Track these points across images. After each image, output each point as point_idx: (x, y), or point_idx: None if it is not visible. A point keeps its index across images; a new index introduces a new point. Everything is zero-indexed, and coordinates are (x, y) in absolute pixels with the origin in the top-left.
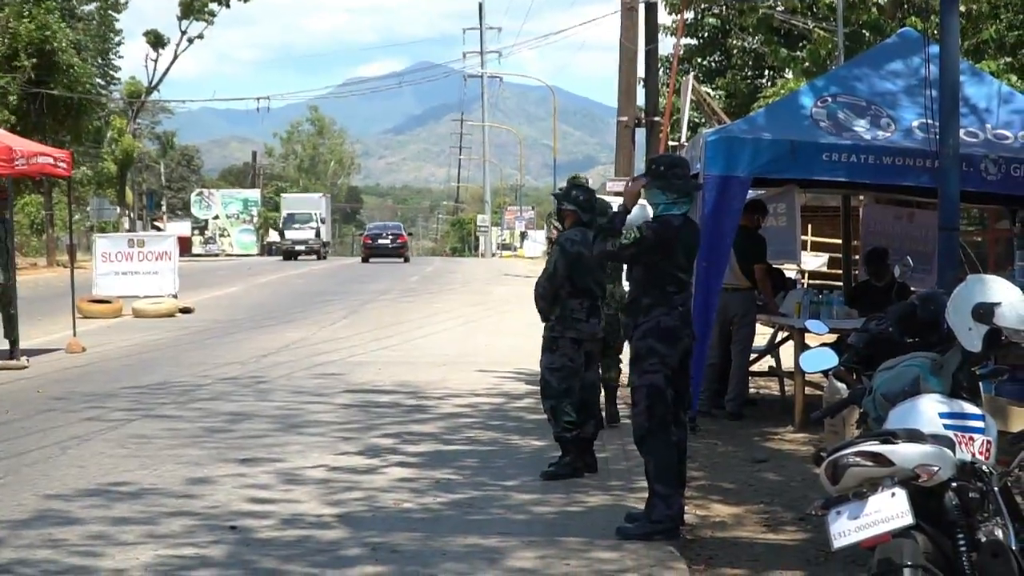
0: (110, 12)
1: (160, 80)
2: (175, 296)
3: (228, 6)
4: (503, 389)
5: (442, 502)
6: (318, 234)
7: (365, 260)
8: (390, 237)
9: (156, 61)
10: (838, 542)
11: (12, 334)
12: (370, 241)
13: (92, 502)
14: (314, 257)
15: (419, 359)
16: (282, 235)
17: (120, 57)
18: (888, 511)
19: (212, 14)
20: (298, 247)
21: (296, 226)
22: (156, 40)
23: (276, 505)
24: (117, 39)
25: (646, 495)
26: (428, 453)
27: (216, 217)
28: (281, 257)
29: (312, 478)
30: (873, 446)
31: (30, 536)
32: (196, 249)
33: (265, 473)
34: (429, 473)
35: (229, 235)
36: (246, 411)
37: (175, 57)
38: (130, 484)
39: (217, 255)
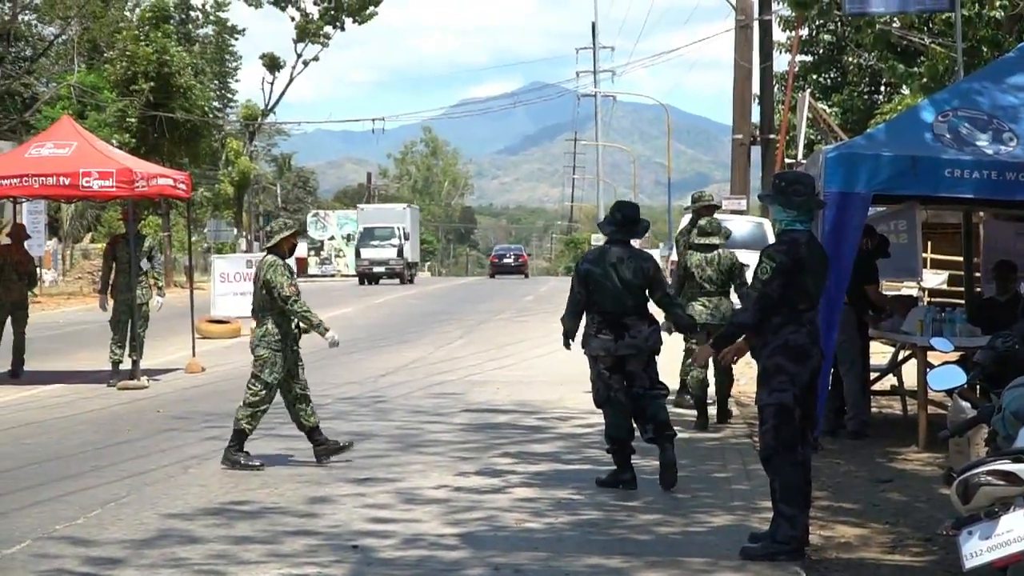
0: (226, 36)
1: (276, 102)
2: None
3: (343, 29)
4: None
5: (564, 522)
6: (400, 253)
7: (492, 276)
8: (512, 257)
9: (272, 84)
10: (970, 562)
11: (136, 354)
12: (497, 260)
13: (214, 521)
14: (396, 281)
15: (536, 378)
16: (358, 254)
17: (237, 80)
18: (1021, 530)
19: (327, 36)
20: (376, 268)
21: (375, 243)
22: (272, 63)
23: (397, 525)
24: (234, 62)
25: (769, 515)
26: (548, 473)
27: (332, 238)
28: (357, 281)
29: (433, 498)
30: (1005, 465)
31: (152, 555)
32: (312, 270)
33: (385, 493)
34: (550, 493)
35: (344, 256)
36: (365, 431)
37: (291, 79)
38: (252, 503)
39: (333, 276)
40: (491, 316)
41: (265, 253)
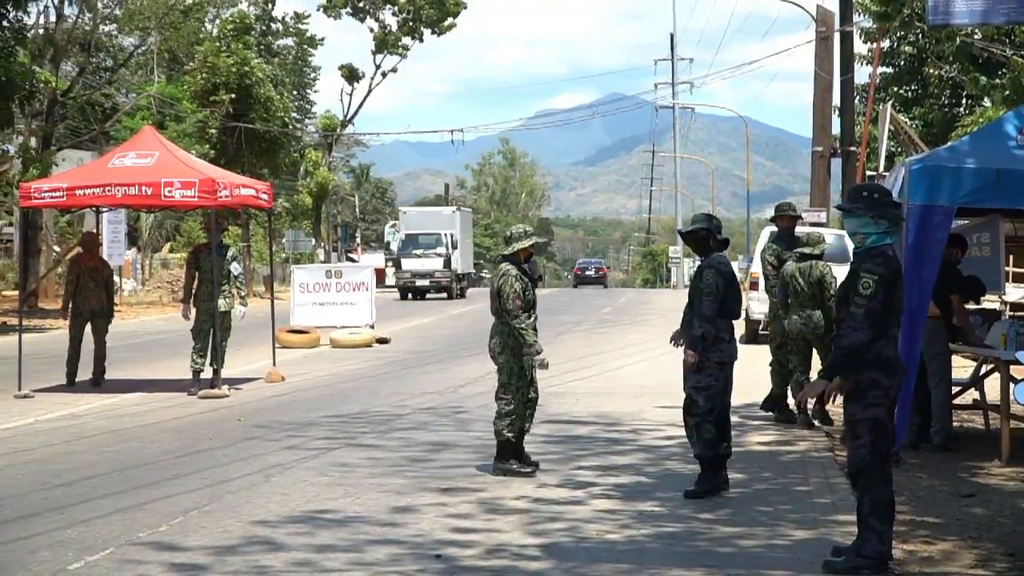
0: (306, 47)
1: (355, 114)
2: (372, 326)
3: (421, 40)
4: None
5: (646, 534)
6: (448, 264)
7: (576, 286)
8: (593, 269)
9: (351, 95)
10: None
11: (217, 363)
12: (580, 272)
13: (297, 529)
14: (444, 296)
15: (616, 390)
16: (398, 265)
17: (316, 91)
18: None
19: (406, 48)
20: (420, 282)
21: (417, 252)
22: (351, 74)
23: (479, 534)
24: (313, 73)
25: (852, 529)
26: (629, 485)
27: None
28: (398, 295)
29: (514, 508)
30: None
31: (236, 562)
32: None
33: (467, 502)
34: (631, 505)
35: None
36: (446, 441)
37: (369, 91)
38: (334, 512)
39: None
40: (569, 327)
41: (500, 260)
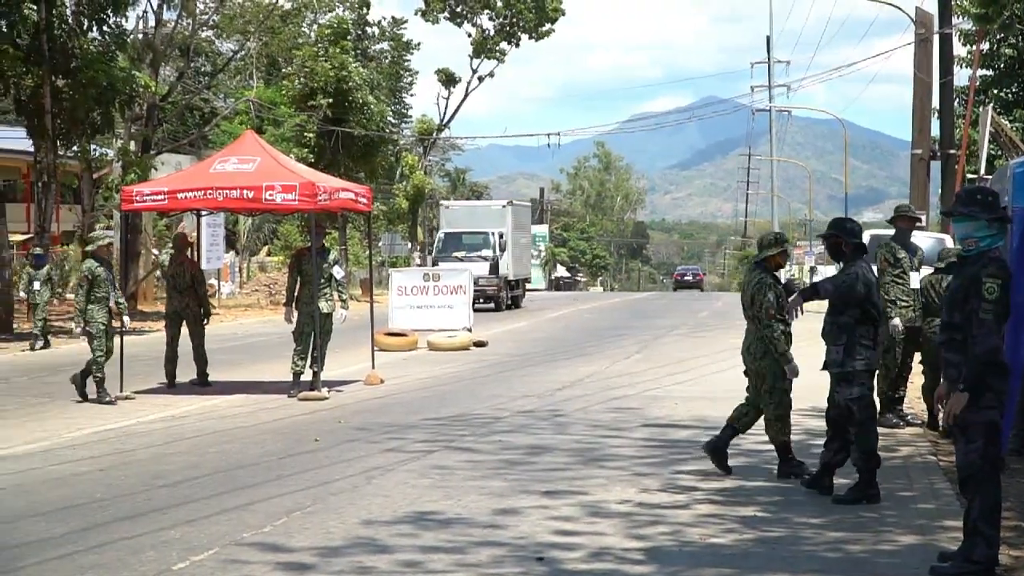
0: (402, 51)
1: (451, 118)
2: (469, 330)
3: (518, 45)
4: (803, 426)
5: (749, 538)
6: (496, 268)
7: (675, 289)
8: (691, 275)
9: (447, 99)
10: None
11: (318, 366)
12: (679, 277)
13: (400, 530)
14: (490, 307)
15: (715, 394)
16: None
17: (412, 95)
18: None
19: (503, 53)
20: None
21: (458, 255)
22: (448, 79)
23: (582, 537)
24: (409, 78)
25: (958, 534)
26: (731, 489)
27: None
28: None
29: (616, 511)
30: None
31: (340, 563)
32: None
33: (568, 505)
34: (734, 509)
35: None
36: (545, 444)
37: (466, 95)
38: (436, 513)
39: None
40: (667, 331)
41: (751, 266)
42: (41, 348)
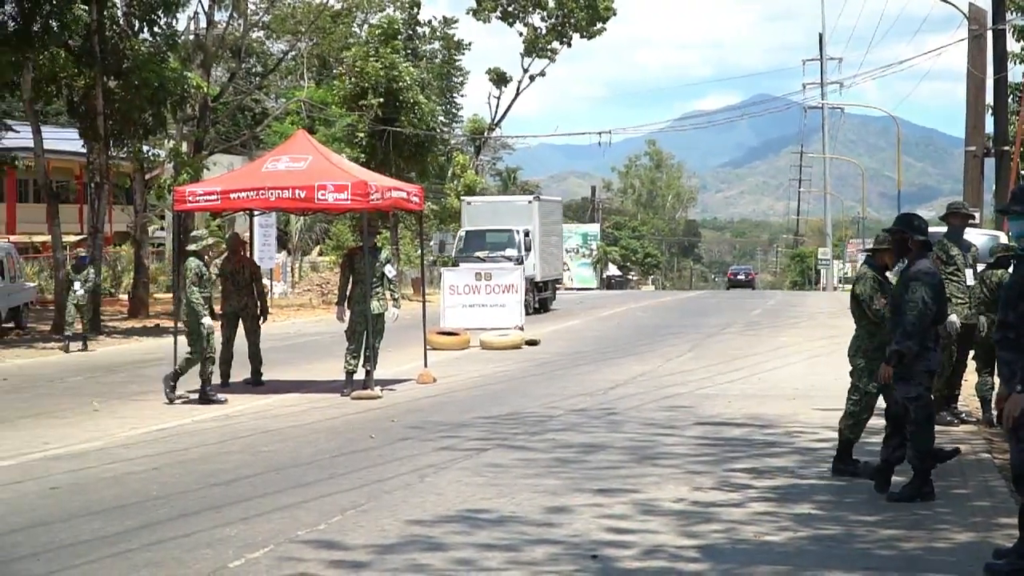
0: (453, 51)
1: (502, 117)
2: (521, 328)
3: (570, 45)
4: None
5: (803, 536)
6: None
7: (728, 288)
8: (744, 274)
9: (499, 98)
10: None
11: (371, 364)
12: (732, 276)
13: (453, 528)
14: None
15: (768, 392)
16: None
17: (463, 95)
18: None
19: (554, 52)
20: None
21: (480, 255)
22: (499, 78)
23: (635, 535)
24: (460, 77)
25: (1013, 532)
26: (784, 487)
27: None
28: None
29: (670, 509)
30: None
31: (395, 561)
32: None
33: (622, 503)
34: (787, 507)
35: (569, 269)
36: (598, 442)
37: (517, 94)
38: (490, 512)
39: (557, 289)
40: (719, 330)
41: (863, 261)
42: (79, 351)
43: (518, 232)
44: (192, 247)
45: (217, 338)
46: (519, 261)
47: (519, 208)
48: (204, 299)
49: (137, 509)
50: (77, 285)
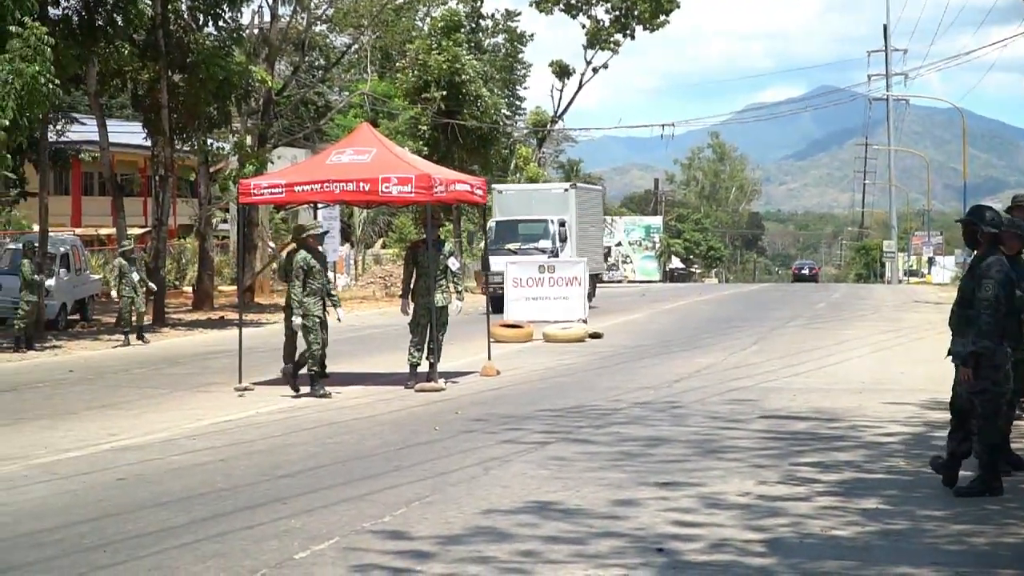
0: (516, 44)
1: (565, 109)
2: (585, 321)
3: (633, 37)
4: (924, 418)
5: (871, 531)
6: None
7: (794, 282)
8: (808, 269)
9: (561, 91)
10: None
11: (434, 357)
12: (796, 271)
13: (518, 520)
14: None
15: (833, 386)
16: (485, 264)
17: (526, 88)
18: None
19: (617, 44)
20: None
21: (512, 247)
22: (562, 70)
23: (701, 529)
24: (523, 70)
25: None
26: (851, 481)
27: (619, 244)
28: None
29: (735, 503)
30: None
31: (460, 552)
32: None
33: (687, 497)
34: (854, 501)
35: (632, 262)
36: (662, 435)
37: (580, 87)
38: (555, 504)
39: (620, 281)
40: (783, 323)
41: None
42: (138, 343)
43: (552, 222)
44: (304, 235)
45: (278, 330)
46: (553, 254)
47: (554, 197)
48: (316, 291)
49: (203, 500)
50: (136, 276)
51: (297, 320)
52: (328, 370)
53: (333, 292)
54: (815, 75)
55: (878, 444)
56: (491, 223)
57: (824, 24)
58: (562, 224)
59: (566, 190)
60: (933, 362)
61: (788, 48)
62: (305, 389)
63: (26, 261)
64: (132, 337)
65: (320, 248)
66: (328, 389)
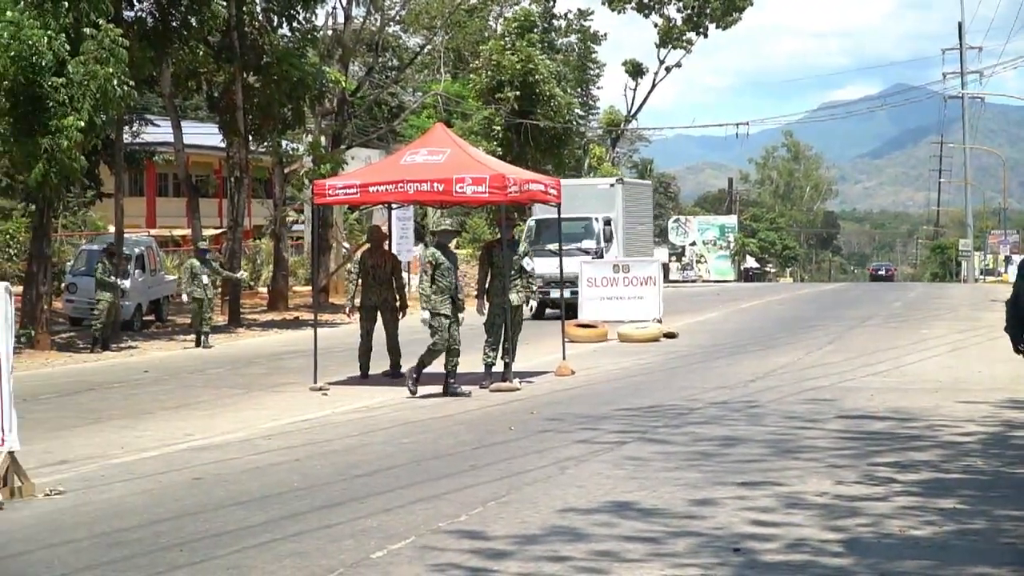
0: (589, 44)
1: (638, 109)
2: (659, 321)
3: (706, 35)
4: (1002, 417)
5: (949, 530)
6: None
7: (871, 280)
8: (884, 270)
9: (635, 90)
10: None
11: (509, 357)
12: (873, 271)
13: (595, 520)
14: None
15: (910, 385)
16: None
17: (599, 87)
18: None
19: (690, 42)
20: (555, 292)
21: (552, 247)
22: (635, 69)
23: (778, 528)
24: (596, 69)
25: None
26: (929, 481)
27: (693, 244)
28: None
29: (813, 503)
30: None
31: (536, 551)
32: (673, 275)
33: (765, 496)
34: (932, 501)
35: (706, 261)
36: (739, 435)
37: (653, 86)
38: (631, 504)
39: (694, 281)
40: (860, 322)
41: None
42: (205, 347)
43: (597, 220)
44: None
45: (352, 330)
46: (598, 254)
47: (600, 193)
48: (443, 288)
49: (280, 500)
50: (206, 278)
51: (425, 315)
52: (403, 369)
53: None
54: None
55: (955, 444)
56: (530, 222)
57: (898, 22)
58: (607, 222)
59: (612, 185)
60: (1011, 361)
61: (862, 46)
62: (434, 389)
63: (101, 263)
64: (204, 338)
65: (450, 246)
66: (466, 388)
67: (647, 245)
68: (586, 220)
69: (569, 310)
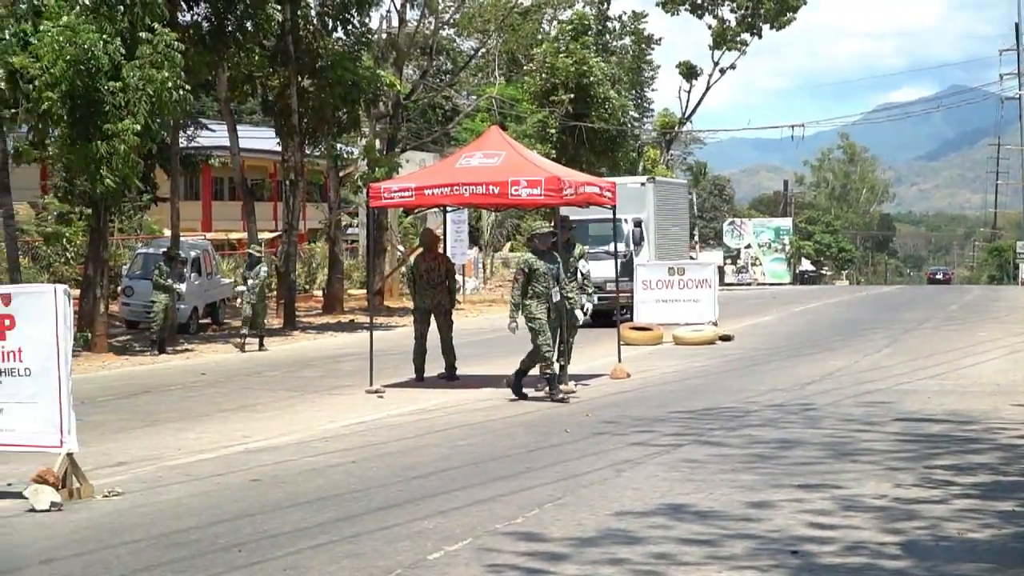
0: (643, 46)
1: (693, 111)
2: (715, 323)
3: (760, 36)
4: None
5: (1008, 533)
6: (630, 268)
7: (928, 283)
8: (941, 273)
9: (689, 92)
10: None
11: (565, 359)
12: (931, 275)
13: (651, 522)
14: (628, 316)
15: (968, 388)
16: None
17: (654, 90)
18: None
19: (744, 44)
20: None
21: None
22: (689, 71)
23: (836, 531)
24: (650, 72)
25: None
26: (987, 484)
27: (748, 246)
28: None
29: (870, 505)
30: None
31: (593, 553)
32: (728, 278)
33: (822, 499)
34: (991, 504)
35: (761, 264)
36: (795, 438)
37: (707, 88)
38: (688, 507)
39: (749, 284)
40: (916, 325)
41: None
42: (254, 349)
43: (627, 222)
44: (530, 236)
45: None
46: (628, 259)
47: (630, 192)
48: (539, 294)
49: (336, 501)
50: (250, 283)
51: (512, 324)
52: (458, 372)
53: (579, 290)
54: (945, 74)
55: (1014, 446)
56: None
57: (954, 22)
58: (638, 224)
59: (643, 184)
60: None
61: (918, 47)
62: (537, 392)
63: (158, 267)
64: (260, 340)
65: (547, 249)
66: (566, 393)
67: (683, 247)
68: (617, 222)
69: (596, 316)
